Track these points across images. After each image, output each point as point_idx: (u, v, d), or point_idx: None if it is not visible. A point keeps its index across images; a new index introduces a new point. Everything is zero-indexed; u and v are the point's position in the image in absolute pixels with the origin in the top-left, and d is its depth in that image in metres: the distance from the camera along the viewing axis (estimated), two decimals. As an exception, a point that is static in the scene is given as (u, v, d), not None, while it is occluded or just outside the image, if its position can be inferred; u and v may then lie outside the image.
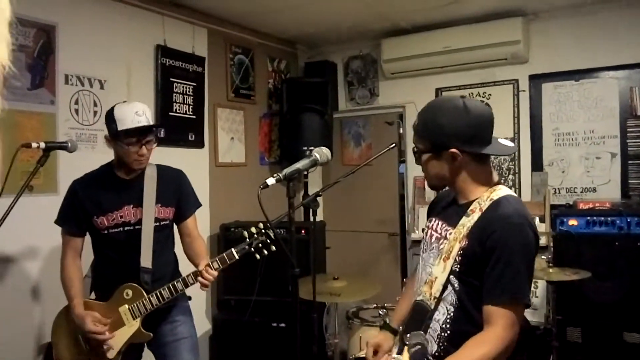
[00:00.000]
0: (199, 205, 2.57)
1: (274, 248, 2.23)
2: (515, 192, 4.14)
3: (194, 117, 3.86)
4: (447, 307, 1.57)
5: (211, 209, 3.98)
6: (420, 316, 1.62)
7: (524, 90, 4.13)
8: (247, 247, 2.22)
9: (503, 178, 4.20)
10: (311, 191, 4.37)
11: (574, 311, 3.37)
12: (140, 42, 3.51)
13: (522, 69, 4.12)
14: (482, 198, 1.57)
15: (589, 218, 3.41)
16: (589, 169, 3.92)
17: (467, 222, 1.55)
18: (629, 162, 3.78)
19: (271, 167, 4.58)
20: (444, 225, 1.66)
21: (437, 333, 1.58)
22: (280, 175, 1.70)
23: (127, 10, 3.41)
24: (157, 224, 2.39)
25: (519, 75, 4.13)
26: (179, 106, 3.75)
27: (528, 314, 3.78)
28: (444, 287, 1.57)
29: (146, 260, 2.33)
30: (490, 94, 4.25)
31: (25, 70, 2.87)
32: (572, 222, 3.44)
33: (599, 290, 3.29)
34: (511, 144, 1.75)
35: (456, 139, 1.54)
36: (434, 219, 1.73)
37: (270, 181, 1.67)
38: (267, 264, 2.92)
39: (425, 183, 1.72)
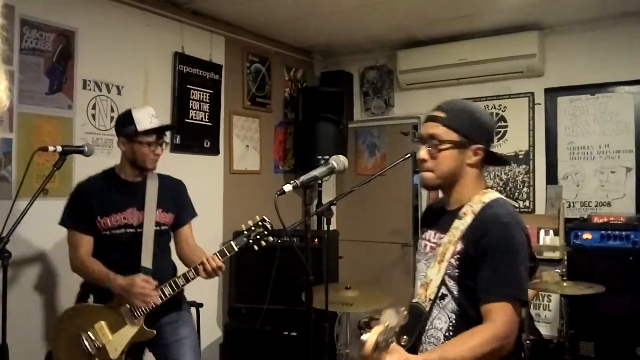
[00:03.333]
0: (195, 215, 2.64)
1: (271, 239, 2.31)
2: (529, 205, 4.14)
3: (210, 124, 3.91)
4: (448, 315, 1.58)
5: (225, 215, 4.02)
6: (416, 319, 1.63)
7: (539, 104, 4.13)
8: (245, 239, 2.29)
9: (517, 191, 4.20)
10: (325, 200, 4.39)
11: (587, 325, 3.35)
12: (158, 49, 3.57)
13: (537, 82, 4.12)
14: (473, 201, 1.61)
15: (603, 232, 3.40)
16: (604, 183, 3.90)
17: (461, 225, 1.58)
18: (645, 176, 3.76)
19: (285, 176, 4.61)
20: (437, 234, 1.69)
21: (440, 342, 1.57)
22: (297, 182, 1.71)
23: (146, 17, 3.47)
24: (158, 228, 2.45)
25: (535, 88, 4.14)
26: (195, 113, 3.80)
27: (541, 327, 3.77)
28: (439, 289, 1.60)
29: (147, 261, 2.38)
30: (505, 107, 4.26)
31: (44, 75, 2.92)
32: (587, 235, 3.43)
33: (613, 305, 3.27)
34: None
35: (485, 138, 1.63)
36: (427, 230, 1.76)
37: (287, 188, 1.68)
38: (278, 272, 2.94)
39: (423, 183, 1.72)
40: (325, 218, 3.06)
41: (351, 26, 4.07)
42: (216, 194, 4.00)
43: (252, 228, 2.31)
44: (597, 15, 3.78)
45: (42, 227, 2.77)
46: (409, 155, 2.73)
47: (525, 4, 3.58)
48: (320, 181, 4.28)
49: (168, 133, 2.72)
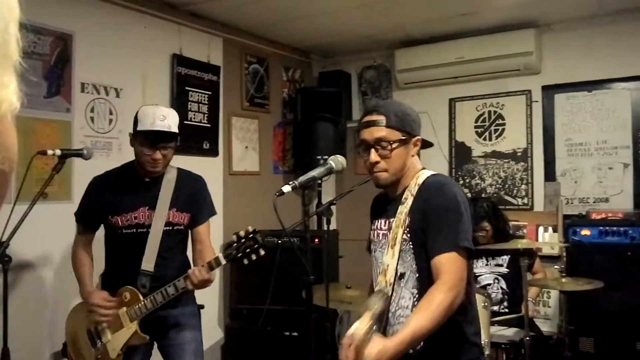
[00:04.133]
0: (214, 213, 2.56)
1: (262, 252, 2.22)
2: (528, 202, 4.16)
3: (209, 125, 3.92)
4: (410, 291, 1.70)
5: (224, 217, 4.01)
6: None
7: (536, 101, 4.15)
8: (233, 252, 2.21)
9: (516, 188, 4.22)
10: (324, 200, 4.40)
11: (586, 321, 3.37)
12: (156, 51, 3.57)
13: (534, 80, 4.14)
14: (410, 186, 1.75)
15: (601, 228, 3.42)
16: (602, 179, 3.92)
17: (404, 208, 1.72)
18: (642, 172, 3.78)
19: (285, 176, 4.62)
20: (386, 221, 1.80)
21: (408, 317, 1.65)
22: (295, 182, 1.72)
23: (143, 19, 3.46)
24: (170, 228, 2.39)
25: (532, 85, 4.16)
26: (194, 114, 3.81)
27: (541, 324, 3.79)
28: (396, 271, 1.71)
29: (148, 263, 2.33)
30: (503, 104, 4.28)
31: (42, 78, 2.91)
32: (585, 232, 3.45)
33: (612, 300, 3.29)
34: None
35: (417, 127, 1.81)
36: (376, 221, 1.87)
37: (286, 188, 1.69)
38: (279, 272, 2.94)
39: (380, 183, 1.80)
40: (325, 218, 3.08)
41: (349, 26, 4.08)
42: (216, 196, 3.93)
43: (243, 240, 2.22)
44: (593, 12, 3.79)
45: (42, 231, 2.77)
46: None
47: (522, 2, 3.59)
48: (319, 181, 4.32)
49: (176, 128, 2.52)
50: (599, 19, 3.86)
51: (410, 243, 1.68)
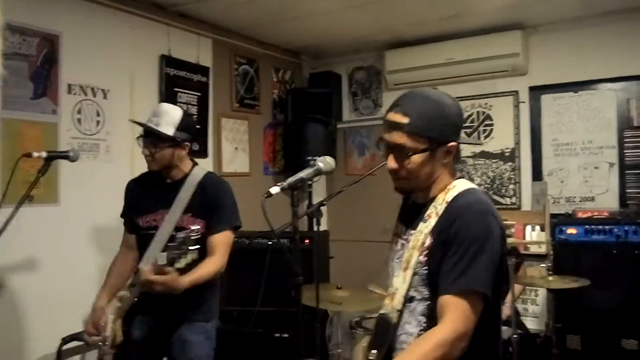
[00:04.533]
0: (234, 224, 2.39)
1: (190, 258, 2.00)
2: (516, 201, 4.20)
3: (198, 126, 3.90)
4: (418, 319, 1.50)
5: (215, 218, 4.02)
6: (384, 331, 1.56)
7: (523, 102, 4.20)
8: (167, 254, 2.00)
9: (504, 188, 4.26)
10: (315, 201, 4.42)
11: (573, 319, 3.42)
12: (145, 52, 3.55)
13: (522, 81, 4.19)
14: (437, 201, 1.50)
15: (587, 227, 3.47)
16: (588, 178, 3.98)
17: (425, 229, 1.49)
18: (627, 171, 3.84)
19: (275, 177, 4.63)
20: (407, 230, 1.59)
21: None
22: (284, 184, 1.68)
23: (131, 20, 3.44)
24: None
25: (519, 86, 4.21)
26: (184, 116, 3.80)
27: (529, 322, 3.84)
28: (405, 297, 1.51)
29: (146, 265, 2.20)
30: (491, 105, 4.32)
31: (28, 80, 2.88)
32: (571, 230, 3.50)
33: (598, 298, 3.34)
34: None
35: (455, 131, 1.50)
36: (400, 225, 1.66)
37: (274, 190, 1.66)
38: (269, 274, 2.95)
39: (399, 191, 1.59)
40: (315, 219, 3.09)
41: (339, 27, 4.10)
42: None
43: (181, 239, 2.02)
44: (579, 14, 3.85)
45: (28, 234, 2.74)
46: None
47: (509, 4, 3.63)
48: (310, 182, 4.32)
49: (170, 128, 2.36)
50: (584, 21, 3.91)
51: (426, 268, 1.47)
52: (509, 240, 3.23)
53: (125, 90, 3.41)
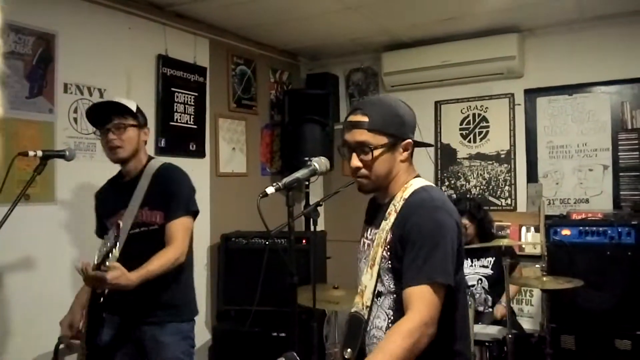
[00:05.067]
0: (192, 209, 2.30)
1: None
2: (511, 202, 4.24)
3: (195, 127, 3.92)
4: (386, 312, 1.58)
5: (212, 218, 4.02)
6: (356, 328, 1.62)
7: (519, 104, 4.24)
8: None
9: (499, 189, 4.30)
10: (312, 201, 4.43)
11: (567, 319, 3.44)
12: (141, 52, 3.54)
13: (517, 84, 4.23)
14: (396, 198, 1.61)
15: (581, 228, 3.49)
16: (582, 180, 4.02)
17: (386, 226, 1.59)
18: (620, 174, 3.88)
19: (272, 178, 4.64)
20: (372, 230, 1.68)
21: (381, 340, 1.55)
22: (279, 184, 1.67)
23: (128, 19, 3.44)
24: (144, 229, 2.24)
25: (515, 89, 4.24)
26: (180, 116, 3.80)
27: (524, 322, 3.87)
28: (374, 293, 1.59)
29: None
30: (487, 107, 4.36)
31: (24, 79, 2.87)
32: (565, 232, 3.52)
33: (592, 299, 3.36)
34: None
35: (410, 130, 1.64)
36: (366, 227, 1.75)
37: (270, 190, 1.65)
38: (266, 273, 2.96)
39: (361, 190, 1.68)
40: (312, 219, 3.11)
41: (336, 29, 4.12)
42: (203, 197, 3.96)
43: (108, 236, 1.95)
44: (574, 18, 3.88)
45: (25, 233, 2.74)
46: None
47: (505, 8, 3.66)
48: (307, 182, 4.36)
49: (133, 107, 2.29)
50: (580, 24, 3.95)
51: (389, 262, 1.56)
52: (504, 241, 3.26)
53: (122, 90, 3.40)
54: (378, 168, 1.60)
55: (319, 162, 1.78)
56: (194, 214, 2.32)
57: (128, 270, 1.99)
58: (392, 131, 1.59)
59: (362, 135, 1.58)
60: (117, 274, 1.93)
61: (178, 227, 2.22)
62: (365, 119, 1.58)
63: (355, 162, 1.62)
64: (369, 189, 1.67)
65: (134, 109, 2.29)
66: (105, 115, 2.24)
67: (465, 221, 3.49)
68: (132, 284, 1.99)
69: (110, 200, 2.37)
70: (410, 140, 1.63)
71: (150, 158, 2.40)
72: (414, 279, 1.47)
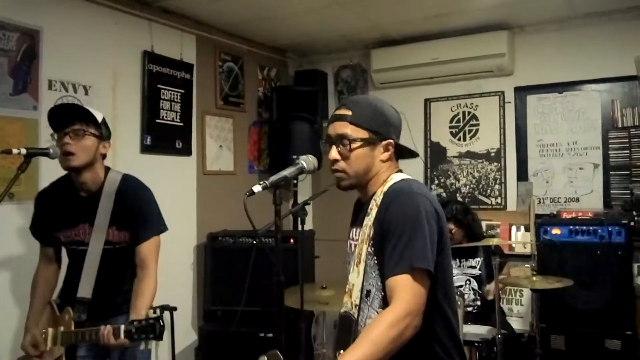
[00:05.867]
0: (160, 229, 2.29)
1: (153, 344, 1.97)
2: (501, 201, 4.21)
3: (182, 124, 3.86)
4: (377, 311, 1.54)
5: (198, 217, 3.98)
6: (347, 328, 1.59)
7: (509, 102, 4.21)
8: (133, 330, 1.91)
9: (489, 188, 4.27)
10: (300, 200, 4.39)
11: (557, 319, 3.43)
12: (127, 48, 3.51)
13: (507, 81, 4.20)
14: (376, 194, 1.60)
15: (571, 227, 3.48)
16: (572, 179, 4.00)
17: (369, 222, 1.57)
18: (611, 172, 3.86)
19: (260, 175, 4.59)
20: (357, 231, 1.66)
21: None
22: (266, 182, 1.66)
23: (113, 15, 3.40)
24: (111, 247, 2.22)
25: (505, 87, 4.22)
26: (166, 113, 3.74)
27: (514, 321, 3.85)
28: (362, 291, 1.57)
29: (85, 289, 2.17)
30: (477, 105, 4.33)
31: (8, 75, 2.85)
32: (556, 231, 3.51)
33: (582, 298, 3.36)
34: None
35: (394, 132, 1.64)
36: (351, 228, 1.73)
37: (257, 188, 1.64)
38: (254, 273, 2.91)
39: (338, 184, 1.67)
40: (299, 218, 3.06)
41: (324, 25, 4.08)
42: (189, 196, 3.96)
43: (144, 322, 1.93)
44: (564, 15, 3.86)
45: (8, 231, 2.73)
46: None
47: (495, 5, 3.64)
48: (295, 181, 4.31)
49: (98, 117, 2.21)
50: (570, 22, 3.93)
51: (375, 258, 1.54)
52: (494, 240, 3.23)
53: (108, 87, 3.38)
54: (355, 163, 1.59)
55: (307, 161, 1.76)
56: (162, 232, 2.32)
57: (101, 287, 2.14)
58: (373, 127, 1.59)
59: (342, 128, 1.59)
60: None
61: (150, 248, 2.23)
62: (349, 112, 1.60)
63: (333, 153, 1.62)
64: (346, 185, 1.65)
65: (99, 119, 2.22)
66: (68, 119, 2.15)
67: (451, 226, 3.43)
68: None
69: (65, 211, 2.25)
70: (391, 140, 1.62)
71: (107, 170, 2.30)
72: (396, 267, 1.44)
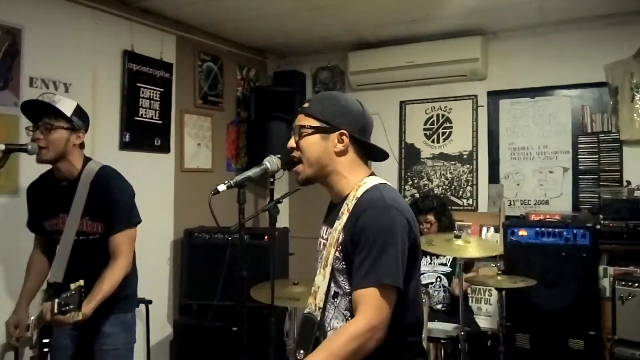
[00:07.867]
0: (133, 222, 2.32)
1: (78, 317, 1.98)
2: (473, 203, 4.30)
3: (160, 122, 3.90)
4: (343, 313, 1.56)
5: (175, 213, 4.03)
6: (309, 329, 1.61)
7: (482, 106, 4.30)
8: (62, 302, 1.94)
9: (462, 189, 4.36)
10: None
11: (523, 318, 3.52)
12: (107, 47, 3.54)
13: (480, 86, 4.29)
14: (349, 197, 1.59)
15: (537, 229, 3.56)
16: (542, 182, 4.09)
17: (339, 225, 1.57)
18: (580, 176, 3.96)
19: (238, 174, 4.59)
20: (327, 230, 1.67)
21: None
22: (231, 182, 1.70)
23: (94, 14, 3.44)
24: (84, 237, 2.27)
25: (478, 91, 4.31)
26: (145, 111, 3.78)
27: (482, 320, 3.93)
28: (327, 294, 1.58)
29: (57, 273, 2.22)
30: (451, 108, 4.42)
31: (-11, 72, 2.87)
32: (522, 232, 3.59)
33: (547, 298, 3.44)
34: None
35: (349, 124, 1.61)
36: (322, 227, 1.74)
37: (221, 187, 1.68)
38: (229, 268, 2.96)
39: (297, 177, 1.68)
40: (272, 215, 3.12)
41: (302, 27, 4.13)
42: (167, 192, 4.00)
43: (68, 294, 1.95)
44: (537, 22, 3.95)
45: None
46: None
47: (470, 11, 3.71)
48: (272, 179, 4.36)
49: (67, 110, 2.25)
50: (542, 29, 4.02)
51: (343, 263, 1.54)
52: (463, 253, 3.29)
53: (88, 85, 3.41)
54: (307, 151, 1.61)
55: (271, 161, 1.79)
56: (137, 224, 2.35)
57: (73, 276, 2.05)
58: (325, 118, 1.60)
59: (299, 120, 1.65)
60: (75, 315, 1.98)
61: (121, 240, 2.25)
62: (307, 104, 1.67)
63: (291, 142, 1.66)
64: (303, 177, 1.65)
65: (69, 111, 2.25)
66: (38, 113, 2.23)
67: (430, 217, 3.64)
68: (90, 314, 2.06)
69: (48, 200, 2.33)
70: (344, 131, 1.59)
71: (87, 160, 2.35)
72: (363, 280, 1.44)
